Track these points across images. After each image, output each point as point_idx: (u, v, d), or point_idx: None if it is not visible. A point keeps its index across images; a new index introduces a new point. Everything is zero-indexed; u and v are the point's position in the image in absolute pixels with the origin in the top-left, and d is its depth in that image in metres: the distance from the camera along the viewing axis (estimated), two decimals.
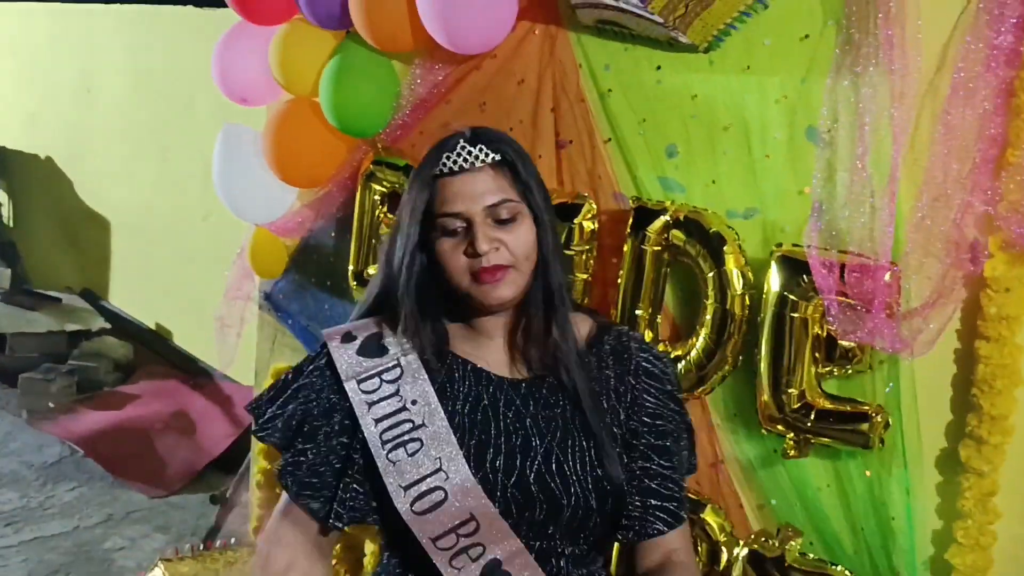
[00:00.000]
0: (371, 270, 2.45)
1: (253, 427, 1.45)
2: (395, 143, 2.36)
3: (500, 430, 1.31)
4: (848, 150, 1.55)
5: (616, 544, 1.52)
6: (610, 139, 1.91)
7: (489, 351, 1.38)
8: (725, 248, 1.71)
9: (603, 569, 1.40)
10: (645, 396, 1.38)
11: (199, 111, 5.09)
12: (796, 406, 1.63)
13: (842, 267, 1.54)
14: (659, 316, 1.83)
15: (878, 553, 1.61)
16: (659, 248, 1.80)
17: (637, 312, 1.81)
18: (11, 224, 7.26)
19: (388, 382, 1.32)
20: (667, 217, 1.78)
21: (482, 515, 1.26)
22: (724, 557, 1.75)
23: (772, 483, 1.73)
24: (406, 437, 1.29)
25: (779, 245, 1.65)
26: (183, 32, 5.35)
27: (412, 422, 1.30)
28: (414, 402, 1.31)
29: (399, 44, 2.19)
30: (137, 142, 5.87)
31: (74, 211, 6.55)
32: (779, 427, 1.66)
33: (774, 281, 1.64)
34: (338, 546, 2.70)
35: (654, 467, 1.35)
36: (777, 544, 1.70)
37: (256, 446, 2.99)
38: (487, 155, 1.31)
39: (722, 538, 1.75)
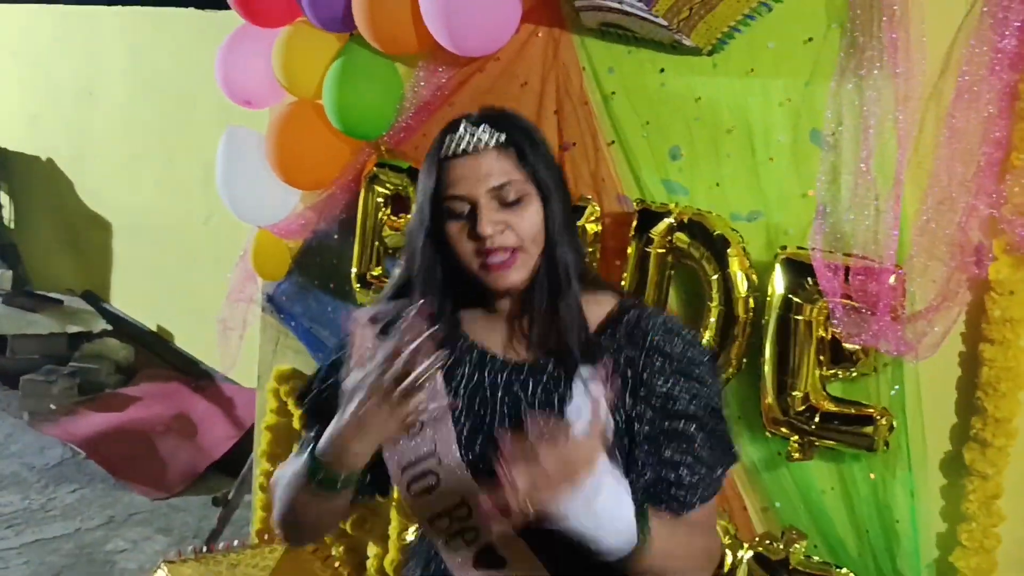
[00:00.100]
0: (375, 272, 2.45)
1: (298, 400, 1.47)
2: (398, 145, 2.36)
3: (495, 415, 1.30)
4: (852, 153, 1.55)
5: None
6: (613, 142, 1.91)
7: (499, 333, 1.35)
8: (729, 251, 1.71)
9: None
10: (655, 377, 1.26)
11: (201, 113, 5.10)
12: (800, 409, 1.63)
13: (847, 270, 1.54)
14: None
15: (882, 556, 1.61)
16: (663, 251, 1.80)
17: None
18: (12, 226, 7.27)
19: None
20: (671, 220, 1.78)
21: (473, 500, 1.26)
22: (728, 560, 1.74)
23: (776, 486, 1.73)
24: None
25: (783, 248, 1.65)
26: (185, 34, 5.36)
27: None
28: None
29: (402, 46, 2.19)
30: (139, 144, 5.87)
31: (75, 213, 6.55)
32: (783, 430, 1.66)
33: (778, 284, 1.64)
34: (341, 548, 2.70)
35: (665, 454, 1.25)
36: (781, 547, 1.70)
37: (258, 448, 2.99)
38: (491, 136, 1.28)
39: (726, 540, 1.75)
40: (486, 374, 1.33)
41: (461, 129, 1.29)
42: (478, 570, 1.27)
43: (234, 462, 4.21)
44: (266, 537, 2.88)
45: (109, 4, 6.08)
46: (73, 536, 3.96)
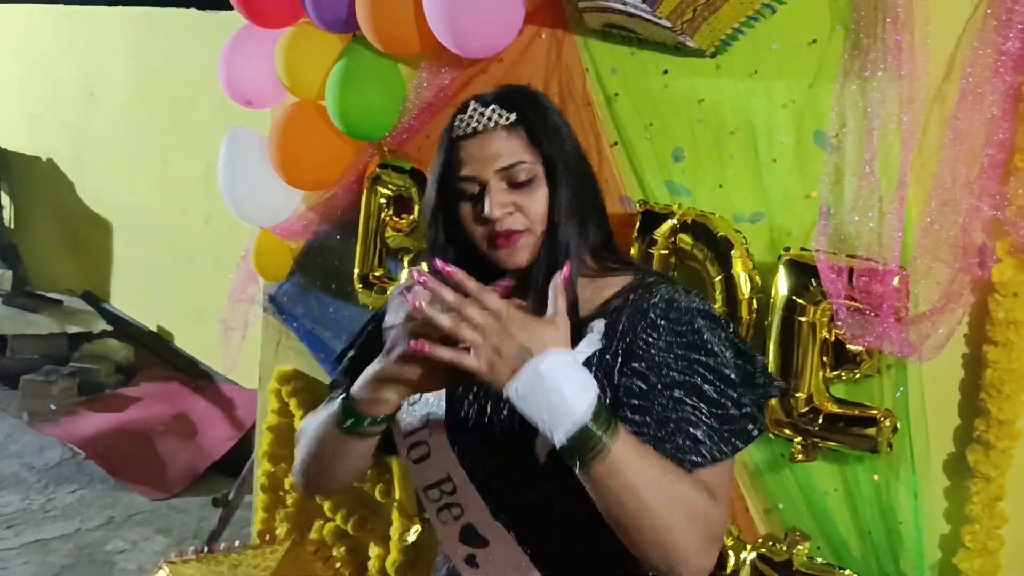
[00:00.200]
0: (377, 273, 2.45)
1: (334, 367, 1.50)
2: (401, 146, 2.36)
3: (478, 393, 1.31)
4: (856, 155, 1.55)
5: None
6: (616, 143, 1.91)
7: None
8: (732, 252, 1.71)
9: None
10: (644, 351, 1.22)
11: (201, 114, 5.10)
12: (804, 410, 1.63)
13: (850, 271, 1.54)
14: None
15: (886, 557, 1.61)
16: (666, 252, 1.80)
17: None
18: (12, 226, 7.27)
19: None
20: (674, 221, 1.78)
21: (456, 476, 1.29)
22: (731, 561, 1.74)
23: (779, 487, 1.73)
24: None
25: (787, 249, 1.66)
26: (186, 35, 5.36)
27: None
28: None
29: (405, 48, 2.19)
30: (139, 144, 5.87)
31: (76, 213, 6.55)
32: (787, 431, 1.66)
33: (782, 285, 1.64)
34: (342, 548, 2.70)
35: (660, 418, 1.19)
36: (784, 548, 1.70)
37: (259, 449, 2.99)
38: (501, 115, 1.26)
39: (729, 542, 1.75)
40: None
41: (470, 109, 1.28)
42: (462, 544, 1.30)
43: (234, 463, 4.21)
44: (267, 538, 2.88)
45: (110, 4, 6.08)
46: (73, 536, 3.96)
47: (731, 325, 1.28)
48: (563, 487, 1.17)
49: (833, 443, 1.62)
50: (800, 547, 1.69)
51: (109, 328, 5.97)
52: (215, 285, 3.64)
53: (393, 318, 1.38)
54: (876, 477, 1.61)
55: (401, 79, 2.34)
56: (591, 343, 1.23)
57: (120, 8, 6.01)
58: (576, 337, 1.20)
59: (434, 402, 1.33)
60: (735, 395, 1.20)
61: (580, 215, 1.28)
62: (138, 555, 3.83)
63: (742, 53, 1.72)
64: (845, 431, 1.61)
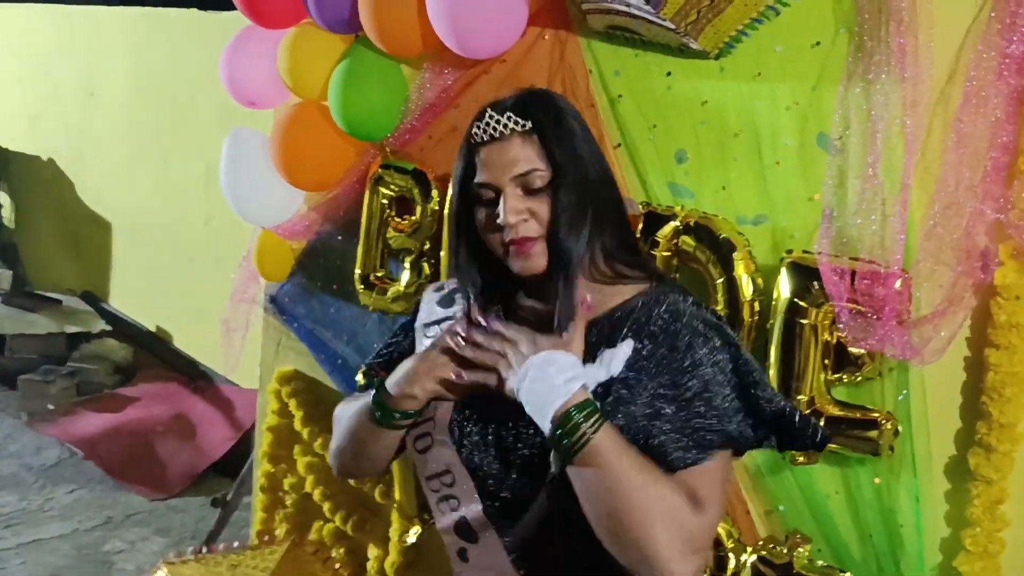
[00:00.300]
0: (379, 273, 2.45)
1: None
2: (403, 147, 2.36)
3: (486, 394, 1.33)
4: (859, 157, 1.55)
5: None
6: (620, 145, 1.91)
7: (530, 314, 1.38)
8: (735, 254, 1.71)
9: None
10: (636, 360, 1.24)
11: (202, 114, 5.10)
12: (805, 413, 1.63)
13: (853, 274, 1.54)
14: None
15: (887, 560, 1.61)
16: (669, 254, 1.80)
17: None
18: (12, 226, 7.26)
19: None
20: (677, 223, 1.78)
21: (456, 470, 1.34)
22: (731, 564, 1.75)
23: (780, 489, 1.73)
24: None
25: (789, 252, 1.66)
26: (186, 35, 5.36)
27: None
28: None
29: (408, 48, 2.19)
30: (139, 145, 5.87)
31: (75, 213, 6.55)
32: None
33: (784, 288, 1.64)
34: (342, 549, 2.70)
35: (647, 423, 1.21)
36: (785, 551, 1.70)
37: (259, 450, 2.99)
38: (516, 123, 1.28)
39: (729, 544, 1.75)
40: None
41: (486, 116, 1.30)
42: (456, 536, 1.34)
43: (233, 463, 4.21)
44: (266, 538, 2.87)
45: (110, 4, 6.09)
46: (71, 537, 3.96)
47: (737, 347, 1.28)
48: (557, 490, 1.22)
49: (834, 446, 1.62)
50: (801, 550, 1.69)
51: (108, 328, 5.96)
52: (215, 285, 3.64)
53: (425, 316, 1.48)
54: (877, 480, 1.62)
55: (403, 80, 2.35)
56: (606, 365, 1.25)
57: (120, 8, 6.02)
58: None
59: (443, 404, 1.38)
60: (716, 401, 1.22)
61: (591, 220, 1.29)
62: (136, 555, 3.82)
63: (746, 55, 1.72)
64: (847, 434, 1.61)
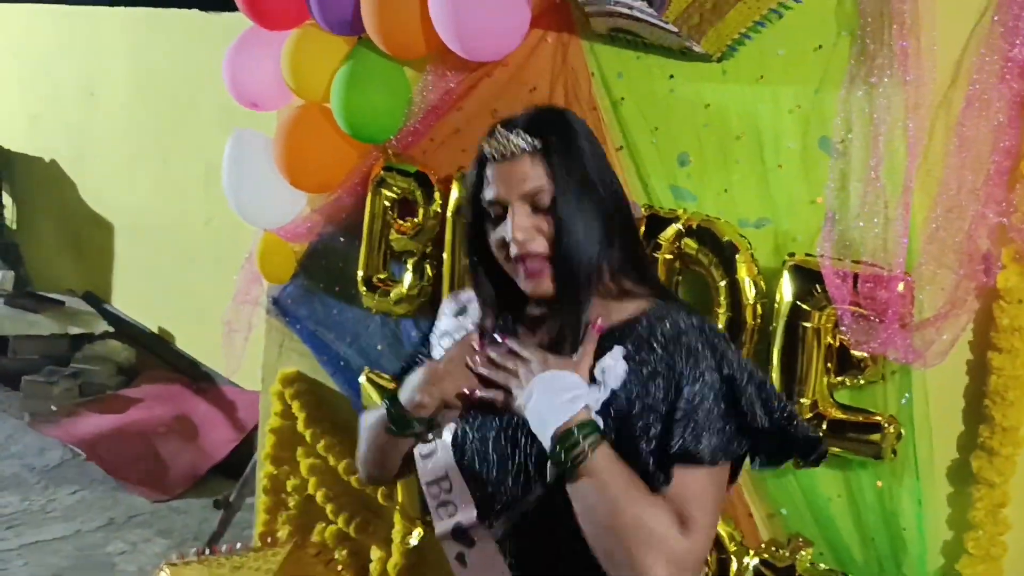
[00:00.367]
0: (381, 275, 2.45)
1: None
2: (406, 149, 2.37)
3: (486, 406, 1.36)
4: (862, 160, 1.56)
5: None
6: (622, 147, 1.92)
7: (538, 328, 1.40)
8: (737, 257, 1.71)
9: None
10: (634, 377, 1.26)
11: (203, 115, 5.10)
12: (808, 416, 1.63)
13: (855, 277, 1.54)
14: None
15: (889, 564, 1.61)
16: (671, 256, 1.80)
17: None
18: (14, 226, 7.26)
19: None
20: (679, 225, 1.78)
21: (454, 477, 1.37)
22: (734, 567, 1.75)
23: (782, 492, 1.73)
24: None
25: (792, 255, 1.66)
26: (187, 35, 5.36)
27: None
28: None
29: (411, 50, 2.19)
30: (140, 145, 5.87)
31: (77, 214, 6.55)
32: None
33: (786, 290, 1.64)
34: (344, 551, 2.70)
35: (636, 440, 1.23)
36: (787, 554, 1.70)
37: (261, 452, 2.99)
38: (525, 141, 1.29)
39: (732, 547, 1.75)
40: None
41: (497, 134, 1.31)
42: (454, 541, 1.37)
43: (235, 464, 4.21)
44: (269, 540, 2.87)
45: (111, 5, 6.09)
46: (73, 538, 3.96)
47: (735, 365, 1.26)
48: (552, 499, 1.26)
49: (837, 449, 1.62)
50: (803, 553, 1.69)
51: (110, 329, 5.97)
52: (216, 286, 3.64)
53: (442, 326, 1.52)
54: (880, 483, 1.62)
55: (406, 82, 2.35)
56: (604, 383, 1.27)
57: (121, 8, 6.01)
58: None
59: (449, 412, 1.40)
60: (702, 419, 1.22)
61: (599, 238, 1.30)
62: (138, 557, 3.82)
63: (748, 58, 1.72)
64: (849, 437, 1.61)
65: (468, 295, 1.50)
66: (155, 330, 5.90)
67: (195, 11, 5.26)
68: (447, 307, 1.54)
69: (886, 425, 1.58)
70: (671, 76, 1.84)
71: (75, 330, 5.85)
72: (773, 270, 1.69)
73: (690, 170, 1.83)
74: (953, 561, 1.55)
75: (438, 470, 1.38)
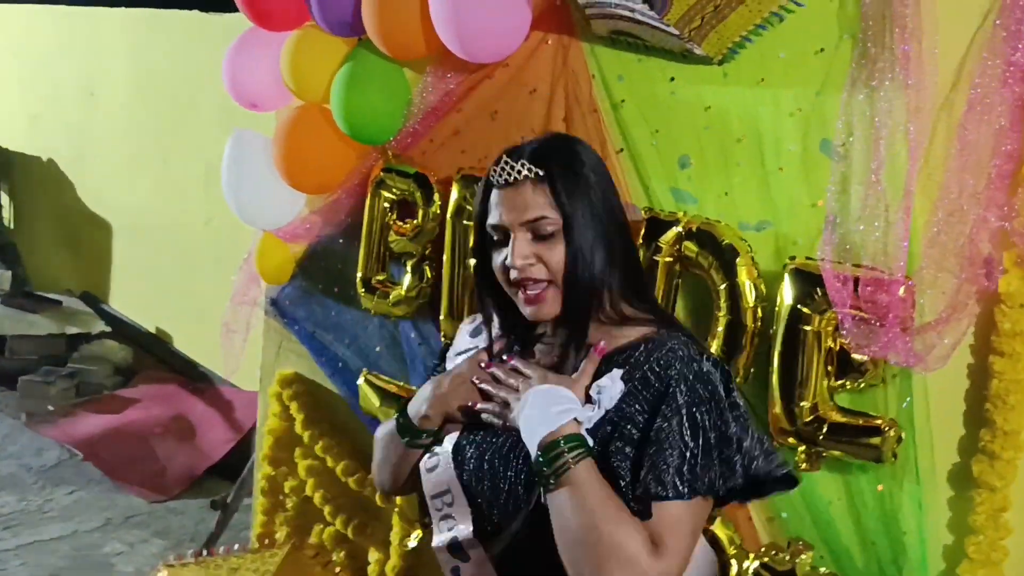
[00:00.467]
0: (379, 277, 2.45)
1: None
2: (405, 151, 2.36)
3: (488, 425, 1.39)
4: (863, 164, 1.55)
5: None
6: (622, 150, 1.91)
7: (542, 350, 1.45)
8: (738, 260, 1.71)
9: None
10: (631, 405, 1.28)
11: (202, 115, 5.09)
12: (808, 419, 1.63)
13: (856, 281, 1.54)
14: None
15: (889, 568, 1.61)
16: (671, 259, 1.79)
17: None
18: (12, 226, 7.25)
19: None
20: (679, 228, 1.78)
21: (455, 490, 1.39)
22: (734, 570, 1.74)
23: (782, 496, 1.72)
24: None
25: (792, 258, 1.65)
26: (187, 36, 5.36)
27: None
28: None
29: (411, 52, 2.19)
30: (139, 145, 5.86)
31: (75, 214, 6.54)
32: (791, 440, 1.66)
33: (787, 294, 1.64)
34: (342, 553, 2.70)
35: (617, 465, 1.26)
36: (787, 557, 1.69)
37: (259, 453, 2.98)
38: (529, 170, 1.32)
39: (731, 551, 1.75)
40: None
41: (503, 162, 1.34)
42: (450, 555, 1.40)
43: (232, 465, 4.19)
44: (266, 541, 2.87)
45: (111, 5, 6.08)
46: (70, 538, 3.95)
47: (724, 399, 1.28)
48: (541, 518, 1.27)
49: (837, 452, 1.62)
50: (803, 557, 1.68)
51: (108, 329, 5.95)
52: (214, 287, 3.63)
53: (458, 344, 1.56)
54: (880, 487, 1.61)
55: (406, 83, 2.34)
56: (599, 403, 1.30)
57: (121, 9, 6.00)
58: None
59: (451, 427, 1.45)
60: (682, 451, 1.23)
61: (600, 267, 1.33)
62: (135, 557, 3.81)
63: (749, 61, 1.72)
64: (849, 441, 1.61)
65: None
66: (153, 330, 5.89)
67: (195, 12, 5.25)
68: (464, 327, 1.58)
69: (886, 428, 1.58)
70: (672, 79, 1.83)
71: (72, 330, 5.84)
72: (774, 273, 1.69)
73: (691, 173, 1.82)
74: (954, 565, 1.55)
75: (441, 484, 1.41)
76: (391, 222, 2.42)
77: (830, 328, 1.60)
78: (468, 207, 2.16)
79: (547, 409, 1.27)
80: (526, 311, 1.35)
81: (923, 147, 1.51)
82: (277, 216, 2.64)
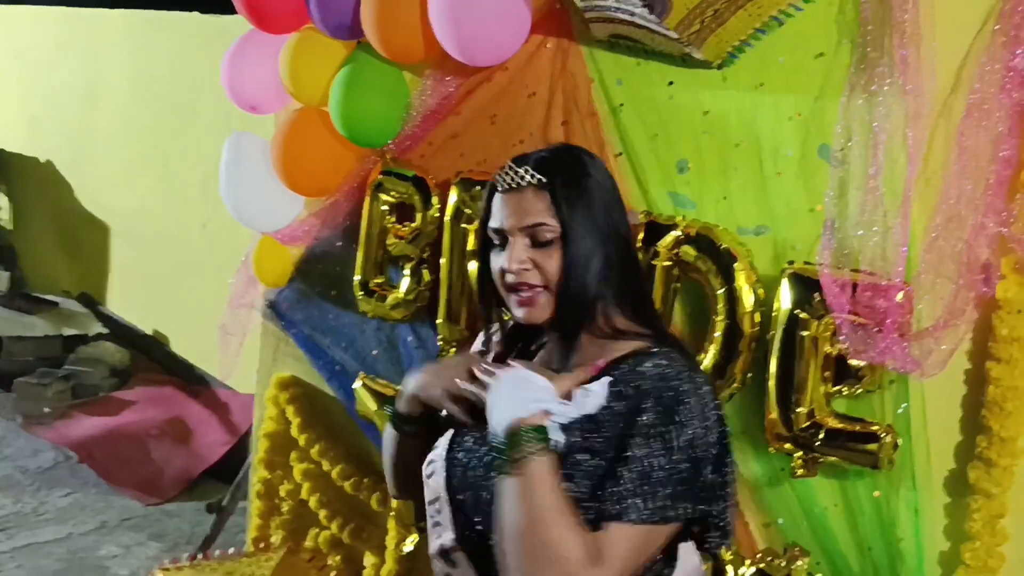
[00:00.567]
0: (377, 280, 2.44)
1: None
2: (404, 154, 2.36)
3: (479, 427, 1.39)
4: (861, 169, 1.55)
5: None
6: (621, 154, 1.91)
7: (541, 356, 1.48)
8: (736, 265, 1.71)
9: None
10: (606, 416, 1.27)
11: (201, 118, 5.09)
12: (805, 425, 1.62)
13: (854, 286, 1.54)
14: None
15: (885, 574, 1.61)
16: (669, 264, 1.79)
17: None
18: (10, 227, 7.25)
19: None
20: (677, 233, 1.78)
21: (443, 498, 1.39)
22: None
23: (779, 502, 1.72)
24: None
25: (790, 263, 1.65)
26: (187, 38, 5.36)
27: None
28: None
29: (410, 55, 2.19)
30: (138, 148, 5.86)
31: (74, 215, 6.54)
32: (787, 446, 1.65)
33: (784, 299, 1.63)
34: (338, 557, 2.69)
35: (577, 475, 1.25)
36: (784, 564, 1.69)
37: (255, 456, 2.97)
38: (533, 176, 1.34)
39: (728, 557, 1.74)
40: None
41: (508, 167, 1.36)
42: (441, 561, 1.40)
43: (228, 468, 4.19)
44: (262, 545, 2.86)
45: (111, 7, 6.08)
46: (65, 541, 3.94)
47: (700, 423, 1.26)
48: None
49: (834, 458, 1.62)
50: (799, 563, 1.68)
51: (104, 331, 5.95)
52: (211, 289, 3.63)
53: (475, 346, 1.60)
54: (877, 493, 1.61)
55: (405, 86, 2.34)
56: (577, 403, 1.28)
57: (121, 11, 6.00)
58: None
59: (448, 433, 1.45)
60: (638, 471, 1.21)
61: (597, 279, 1.34)
62: (131, 560, 3.81)
63: (748, 65, 1.72)
64: (846, 446, 1.60)
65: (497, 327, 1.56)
66: (150, 332, 5.88)
67: (195, 14, 5.25)
68: (480, 337, 1.59)
69: (883, 434, 1.57)
70: (671, 83, 1.83)
71: (69, 331, 5.83)
72: (772, 278, 1.69)
73: (689, 177, 1.82)
74: (950, 572, 1.55)
75: (433, 491, 1.41)
76: (389, 225, 2.42)
77: (828, 333, 1.60)
78: (466, 211, 2.16)
79: (518, 394, 1.26)
80: (518, 313, 1.36)
81: (922, 152, 1.51)
82: (275, 219, 2.64)
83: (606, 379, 1.29)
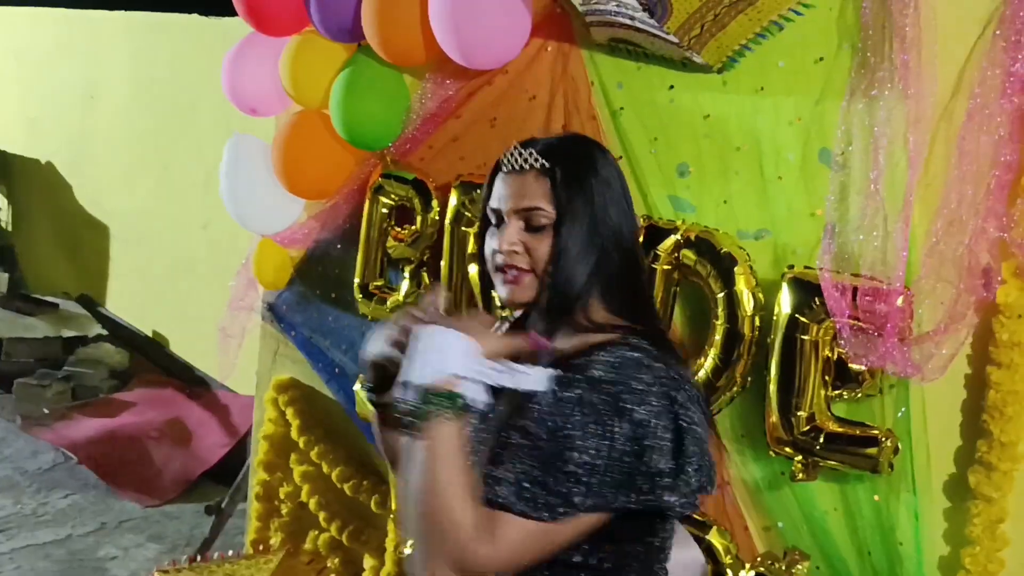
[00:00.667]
0: (377, 283, 2.44)
1: None
2: (404, 157, 2.36)
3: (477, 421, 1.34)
4: (862, 173, 1.55)
5: None
6: (621, 157, 1.91)
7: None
8: (736, 269, 1.71)
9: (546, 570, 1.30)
10: (557, 395, 1.23)
11: (201, 120, 5.10)
12: (805, 429, 1.62)
13: (854, 290, 1.54)
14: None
15: None
16: (669, 267, 1.79)
17: None
18: (10, 228, 7.25)
19: None
20: (678, 236, 1.78)
21: None
22: None
23: (779, 505, 1.72)
24: None
25: (791, 267, 1.65)
26: (187, 41, 5.36)
27: None
28: None
29: (411, 58, 2.19)
30: (138, 149, 5.87)
31: (74, 217, 6.54)
32: (787, 450, 1.65)
33: (785, 303, 1.63)
34: (337, 559, 2.69)
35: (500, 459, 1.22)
36: (783, 567, 1.69)
37: (254, 458, 2.97)
38: (536, 160, 1.32)
39: (728, 560, 1.74)
40: None
41: (514, 148, 1.35)
42: None
43: (228, 470, 4.19)
44: (261, 547, 2.86)
45: (111, 9, 6.08)
46: (65, 542, 3.94)
47: (658, 420, 1.20)
48: None
49: (834, 462, 1.62)
50: (799, 566, 1.68)
51: (104, 332, 5.95)
52: (211, 291, 3.63)
53: None
54: (876, 497, 1.61)
55: (405, 89, 2.34)
56: (510, 374, 1.22)
57: (122, 12, 6.01)
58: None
59: None
60: (575, 464, 1.18)
61: (583, 272, 1.30)
62: (130, 562, 3.80)
63: (749, 69, 1.72)
64: (846, 450, 1.60)
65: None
66: (149, 334, 5.88)
67: (195, 16, 5.26)
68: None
69: (883, 439, 1.57)
70: (671, 86, 1.83)
71: (69, 333, 5.83)
72: (772, 282, 1.69)
73: (689, 181, 1.82)
74: None
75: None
76: (389, 228, 2.42)
77: (828, 337, 1.60)
78: (466, 213, 2.16)
79: (431, 355, 1.20)
80: (502, 292, 1.34)
81: (922, 157, 1.50)
82: (275, 221, 2.64)
83: (551, 371, 1.23)
